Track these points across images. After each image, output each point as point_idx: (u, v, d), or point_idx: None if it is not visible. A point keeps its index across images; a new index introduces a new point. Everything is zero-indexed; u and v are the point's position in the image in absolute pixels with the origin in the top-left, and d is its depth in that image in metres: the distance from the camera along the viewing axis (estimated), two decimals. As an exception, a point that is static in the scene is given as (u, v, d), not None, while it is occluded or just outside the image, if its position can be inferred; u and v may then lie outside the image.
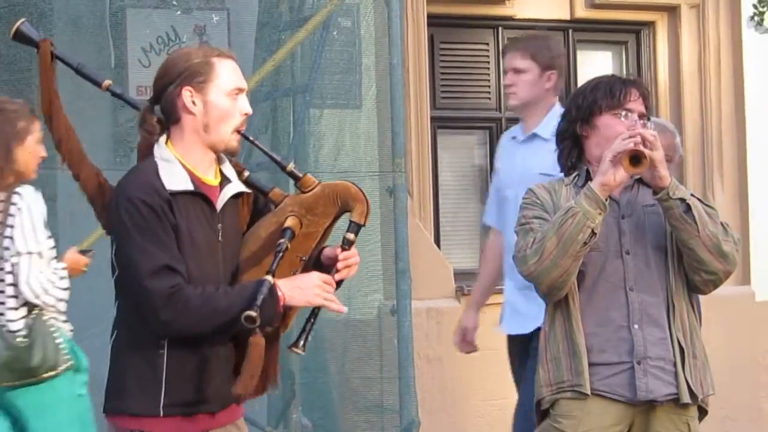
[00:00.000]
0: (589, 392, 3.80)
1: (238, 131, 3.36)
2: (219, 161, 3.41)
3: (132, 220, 3.23)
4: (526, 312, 4.91)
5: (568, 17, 7.81)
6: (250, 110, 3.38)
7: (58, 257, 4.83)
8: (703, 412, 3.96)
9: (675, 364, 3.84)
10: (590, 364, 3.82)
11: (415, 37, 7.26)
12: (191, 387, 3.29)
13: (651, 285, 3.86)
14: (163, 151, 3.34)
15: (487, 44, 7.73)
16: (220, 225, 3.34)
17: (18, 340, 4.62)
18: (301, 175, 3.41)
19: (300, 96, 6.46)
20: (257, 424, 5.99)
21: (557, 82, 5.06)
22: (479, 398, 7.24)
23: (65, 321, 4.74)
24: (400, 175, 6.22)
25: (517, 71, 5.02)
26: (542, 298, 3.93)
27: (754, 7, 7.99)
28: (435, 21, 7.43)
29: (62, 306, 4.74)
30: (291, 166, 3.43)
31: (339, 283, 3.41)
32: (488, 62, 7.72)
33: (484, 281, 5.36)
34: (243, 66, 3.51)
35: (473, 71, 7.71)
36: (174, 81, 3.33)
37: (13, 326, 4.64)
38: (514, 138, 5.17)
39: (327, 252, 3.41)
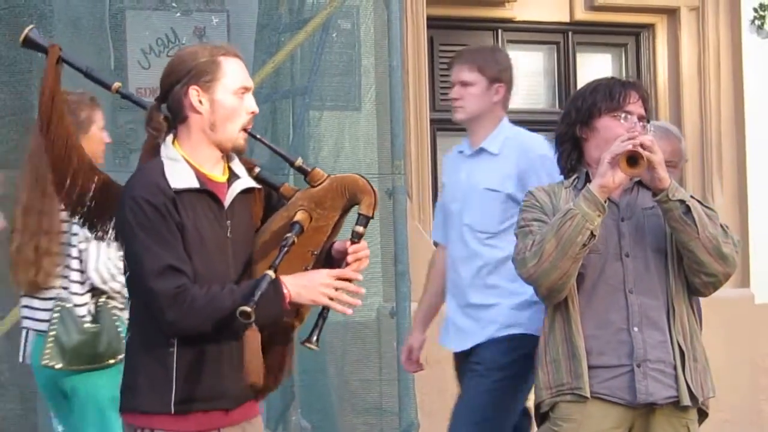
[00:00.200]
0: (588, 395, 3.80)
1: (245, 130, 3.37)
2: (228, 158, 3.42)
3: (136, 219, 3.23)
4: (468, 329, 4.83)
5: (567, 19, 7.81)
6: (256, 109, 3.39)
7: None
8: (703, 415, 3.95)
9: (675, 367, 3.83)
10: (590, 367, 3.81)
11: (415, 39, 7.27)
12: (203, 384, 3.29)
13: (651, 288, 3.86)
14: (169, 150, 3.35)
15: (487, 46, 7.73)
16: (229, 222, 3.35)
17: (86, 325, 4.65)
18: (309, 170, 3.42)
19: (299, 98, 6.46)
20: (256, 426, 5.99)
21: (505, 96, 4.94)
22: (478, 400, 7.23)
23: (122, 309, 4.78)
24: (399, 177, 6.22)
25: (464, 84, 4.89)
26: (542, 301, 3.93)
27: (755, 11, 7.99)
28: (435, 23, 7.43)
29: (126, 293, 4.81)
30: (299, 162, 3.44)
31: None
32: (488, 64, 7.71)
33: (428, 299, 5.15)
34: (242, 68, 3.52)
35: (473, 73, 7.70)
36: (181, 80, 3.34)
37: (79, 311, 4.67)
38: (461, 152, 5.03)
39: (337, 246, 3.40)
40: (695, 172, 7.86)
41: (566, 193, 3.94)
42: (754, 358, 7.85)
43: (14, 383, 6.06)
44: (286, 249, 3.26)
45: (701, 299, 4.12)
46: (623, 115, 3.91)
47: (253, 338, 3.24)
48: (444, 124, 7.63)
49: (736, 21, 7.99)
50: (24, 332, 4.77)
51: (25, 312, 4.75)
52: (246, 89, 3.37)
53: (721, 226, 3.83)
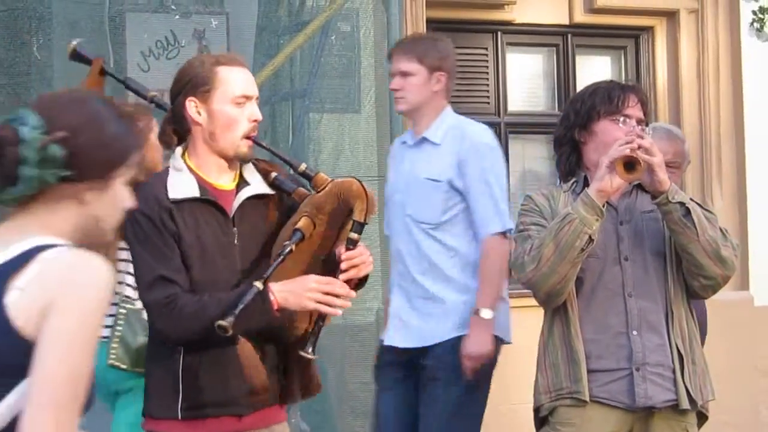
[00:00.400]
0: (587, 399, 3.80)
1: (250, 137, 3.36)
2: (241, 165, 3.42)
3: (134, 232, 3.31)
4: (415, 325, 4.73)
5: (567, 22, 7.81)
6: (259, 116, 3.39)
7: None
8: (703, 418, 3.95)
9: (674, 371, 3.83)
10: (589, 371, 3.81)
11: (414, 41, 7.26)
12: (210, 390, 3.32)
13: (649, 291, 3.86)
14: (176, 160, 3.40)
15: (486, 49, 7.73)
16: (235, 229, 3.35)
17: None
18: (313, 175, 3.41)
19: (299, 100, 6.46)
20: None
21: (447, 84, 4.85)
22: (478, 403, 7.22)
23: None
24: (398, 180, 6.20)
25: (404, 74, 4.81)
26: (541, 305, 3.92)
27: (754, 13, 7.98)
28: (434, 26, 7.42)
29: None
30: (303, 167, 3.43)
31: (361, 283, 3.40)
32: (487, 67, 7.72)
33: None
34: (242, 70, 3.52)
35: (472, 76, 7.70)
36: (181, 91, 3.36)
37: (143, 314, 4.70)
38: (404, 143, 4.97)
39: (339, 251, 3.39)
40: (694, 174, 7.86)
41: (565, 196, 3.93)
42: (754, 360, 7.85)
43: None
44: (280, 258, 3.25)
45: (707, 305, 4.13)
46: (622, 118, 3.90)
47: (242, 346, 3.27)
48: (443, 127, 7.64)
49: (736, 24, 7.99)
50: None
51: None
52: (246, 98, 3.37)
53: (720, 229, 3.82)
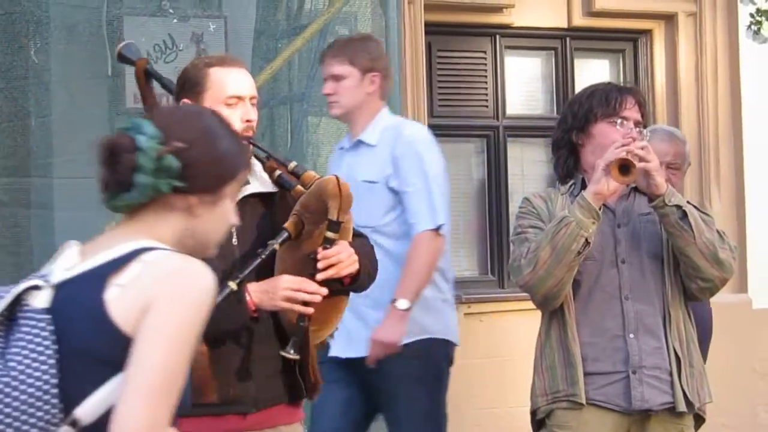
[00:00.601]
0: (584, 402, 3.79)
1: (246, 137, 3.36)
2: None
3: None
4: (358, 333, 4.63)
5: (565, 25, 7.81)
6: (252, 116, 3.39)
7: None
8: (700, 420, 3.95)
9: (671, 373, 3.83)
10: (585, 374, 3.81)
11: (413, 45, 7.26)
12: (210, 388, 3.30)
13: (647, 294, 3.85)
14: None
15: (485, 52, 7.73)
16: (234, 228, 3.36)
17: None
18: (301, 173, 3.41)
19: (297, 104, 6.45)
20: None
21: (382, 85, 4.78)
22: (476, 407, 7.23)
23: None
24: (397, 183, 6.20)
25: (337, 78, 4.74)
26: (538, 307, 3.92)
27: (751, 16, 7.98)
28: (432, 29, 7.42)
29: None
30: (292, 165, 3.43)
31: (353, 282, 3.39)
32: (486, 70, 7.72)
33: None
34: (240, 74, 3.52)
35: (471, 79, 7.70)
36: (178, 93, 3.37)
37: None
38: (342, 148, 4.95)
39: (317, 251, 3.38)
40: (693, 177, 7.85)
41: (562, 199, 3.93)
42: (752, 362, 7.84)
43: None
44: (259, 259, 3.26)
45: (712, 309, 4.12)
46: (619, 120, 3.89)
47: (246, 344, 3.27)
48: (442, 130, 7.63)
49: (734, 27, 7.99)
50: None
51: None
52: (239, 98, 3.36)
53: (718, 231, 3.82)
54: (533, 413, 3.95)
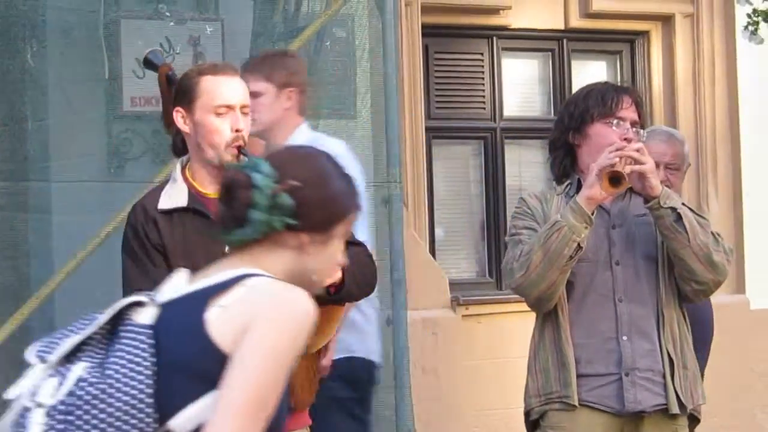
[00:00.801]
0: (576, 404, 3.79)
1: (239, 147, 3.36)
2: None
3: (123, 243, 3.39)
4: None
5: (562, 27, 7.81)
6: (241, 125, 3.38)
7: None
8: (695, 421, 3.94)
9: (664, 375, 3.82)
10: (579, 375, 3.80)
11: (410, 47, 7.27)
12: None
13: (640, 296, 3.84)
14: (175, 170, 3.45)
15: (482, 54, 7.73)
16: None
17: None
18: None
19: (294, 106, 6.44)
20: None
21: (299, 100, 4.72)
22: (475, 408, 7.23)
23: None
24: (395, 185, 6.20)
25: (254, 95, 4.50)
26: (531, 309, 3.92)
27: (748, 17, 7.99)
28: (430, 31, 7.43)
29: None
30: None
31: (338, 291, 3.38)
32: (483, 72, 7.72)
33: None
34: (237, 76, 3.53)
35: (468, 81, 7.71)
36: (173, 102, 3.39)
37: None
38: None
39: None
40: (690, 178, 7.85)
41: (558, 200, 3.91)
42: (750, 363, 7.85)
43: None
44: None
45: (714, 309, 4.12)
46: (615, 121, 3.88)
47: None
48: (439, 132, 7.64)
49: (731, 28, 8.00)
50: None
51: None
52: (228, 107, 3.36)
53: (713, 233, 3.81)
54: (527, 414, 3.95)
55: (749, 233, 7.85)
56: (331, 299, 3.41)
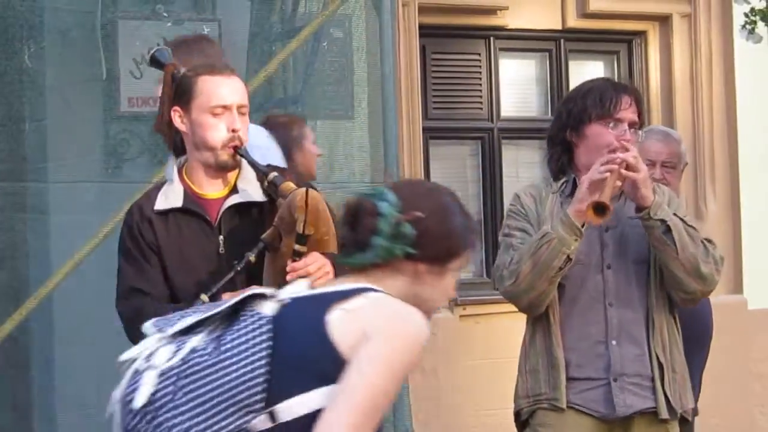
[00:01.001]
0: (564, 407, 3.78)
1: (235, 147, 3.35)
2: (239, 172, 3.43)
3: (119, 243, 3.39)
4: None
5: (559, 27, 7.82)
6: (238, 126, 3.36)
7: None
8: (685, 423, 3.91)
9: (653, 380, 3.80)
10: (568, 379, 3.79)
11: (407, 47, 7.27)
12: None
13: (630, 301, 3.82)
14: (170, 170, 3.43)
15: (479, 54, 7.73)
16: (221, 237, 3.35)
17: None
18: (279, 184, 3.38)
19: (292, 107, 6.45)
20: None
21: None
22: (474, 409, 7.23)
23: None
24: (392, 186, 6.20)
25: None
26: (522, 312, 3.91)
27: (746, 16, 8.00)
28: (427, 31, 7.43)
29: None
30: (271, 176, 3.39)
31: None
32: (480, 72, 7.73)
33: None
34: (235, 77, 3.52)
35: (465, 82, 7.71)
36: (171, 101, 3.38)
37: None
38: None
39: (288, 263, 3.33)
40: (688, 178, 7.86)
41: (552, 198, 3.89)
42: (748, 363, 7.85)
43: (7, 393, 6.04)
44: (232, 272, 3.25)
45: (714, 309, 4.10)
46: (613, 123, 3.84)
47: None
48: (437, 132, 7.64)
49: (728, 27, 8.00)
50: None
51: None
52: (225, 107, 3.35)
53: (704, 242, 3.78)
54: (516, 414, 3.95)
55: (747, 233, 7.85)
56: None
